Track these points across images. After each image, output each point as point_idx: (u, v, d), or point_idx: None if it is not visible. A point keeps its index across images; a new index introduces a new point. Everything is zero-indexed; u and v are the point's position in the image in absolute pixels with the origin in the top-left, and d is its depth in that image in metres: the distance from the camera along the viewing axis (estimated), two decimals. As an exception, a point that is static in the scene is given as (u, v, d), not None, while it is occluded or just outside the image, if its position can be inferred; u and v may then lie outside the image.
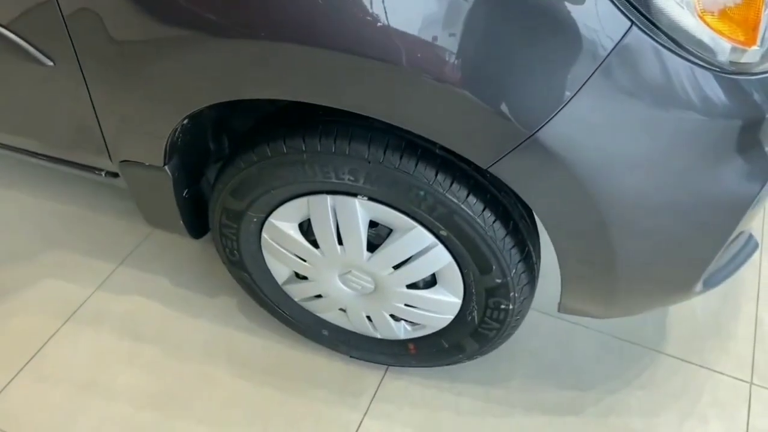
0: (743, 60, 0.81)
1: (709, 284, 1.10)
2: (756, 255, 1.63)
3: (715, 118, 0.84)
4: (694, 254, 1.01)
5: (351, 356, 1.41)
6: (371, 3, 0.80)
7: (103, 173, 1.30)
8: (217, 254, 1.60)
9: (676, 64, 0.79)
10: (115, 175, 1.28)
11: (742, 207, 0.93)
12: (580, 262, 1.02)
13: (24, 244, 1.63)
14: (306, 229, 1.18)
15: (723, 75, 0.81)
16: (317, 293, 1.28)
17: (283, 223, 1.17)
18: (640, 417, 1.32)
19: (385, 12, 0.80)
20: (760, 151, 0.89)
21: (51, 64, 1.05)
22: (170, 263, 1.61)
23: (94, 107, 1.10)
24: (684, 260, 1.02)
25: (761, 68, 0.83)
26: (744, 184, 0.91)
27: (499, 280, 1.09)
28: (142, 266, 1.60)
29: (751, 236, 1.18)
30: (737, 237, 1.13)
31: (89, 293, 1.53)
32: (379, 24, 0.80)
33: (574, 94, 0.80)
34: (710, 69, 0.80)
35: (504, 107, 0.82)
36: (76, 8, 0.95)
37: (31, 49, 1.05)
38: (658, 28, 0.77)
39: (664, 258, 1.01)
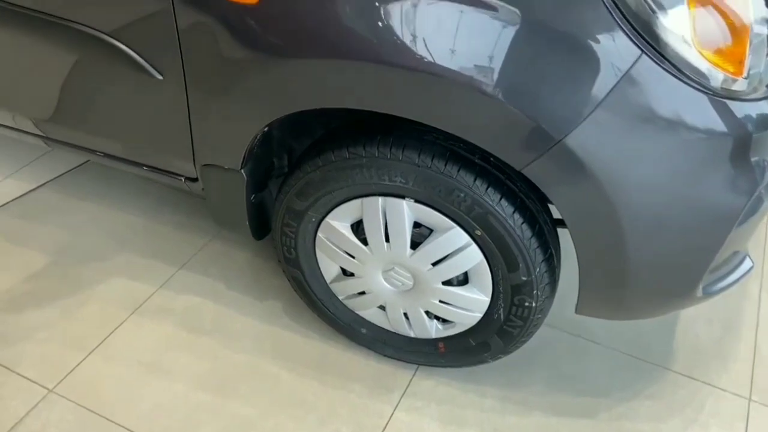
0: (733, 87, 1.00)
1: (708, 291, 1.25)
2: (755, 286, 1.78)
3: (708, 135, 1.02)
4: (693, 261, 1.17)
5: (385, 355, 1.56)
6: (422, 26, 1.01)
7: (182, 178, 1.50)
8: (264, 266, 1.79)
9: (677, 87, 0.98)
10: (194, 180, 1.49)
11: (731, 217, 1.10)
12: (597, 265, 1.18)
13: (97, 247, 1.83)
14: (357, 228, 1.36)
15: (716, 98, 1.00)
16: (361, 290, 1.45)
17: (338, 222, 1.35)
18: (648, 423, 1.44)
19: (438, 35, 1.01)
20: (748, 167, 1.06)
21: (160, 77, 1.27)
22: (223, 270, 1.79)
23: (190, 116, 1.31)
24: (684, 267, 1.18)
25: (749, 95, 1.02)
26: (733, 196, 1.08)
27: (524, 278, 1.26)
28: (200, 270, 1.78)
29: (746, 256, 1.34)
30: (734, 254, 1.29)
31: (153, 290, 1.71)
32: (432, 44, 1.01)
33: (596, 107, 0.99)
34: (706, 93, 0.99)
35: (536, 115, 1.01)
36: (191, 22, 1.17)
37: (145, 63, 1.27)
38: (664, 57, 0.97)
39: (668, 264, 1.17)
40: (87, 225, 1.90)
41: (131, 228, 1.90)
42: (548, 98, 1.00)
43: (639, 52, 0.96)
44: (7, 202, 1.94)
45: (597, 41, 0.96)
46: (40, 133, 1.59)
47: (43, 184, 2.01)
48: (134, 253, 1.82)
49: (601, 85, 0.97)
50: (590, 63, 0.97)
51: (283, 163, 1.52)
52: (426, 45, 1.02)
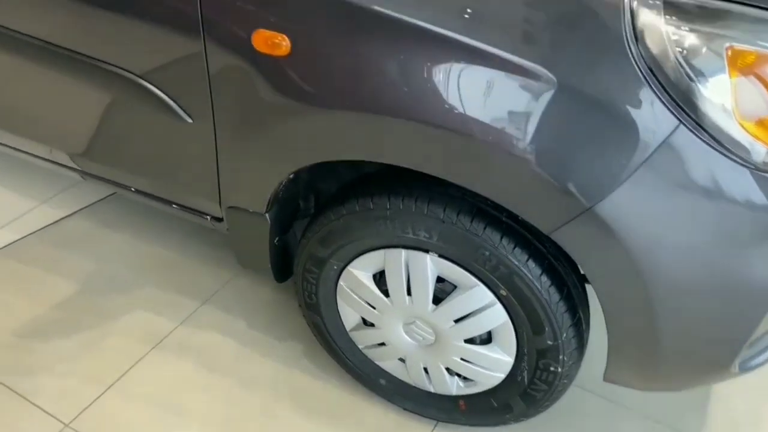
0: (777, 161, 0.95)
1: (745, 368, 1.18)
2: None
3: (749, 209, 0.97)
4: (730, 336, 1.10)
5: (404, 408, 1.51)
6: (455, 85, 0.99)
7: (208, 218, 1.50)
8: (287, 305, 1.77)
9: (716, 159, 0.93)
10: (219, 220, 1.48)
11: (771, 293, 1.04)
12: (626, 332, 1.13)
13: (123, 278, 1.84)
14: (379, 279, 1.33)
15: (758, 172, 0.95)
16: (381, 341, 1.42)
17: (360, 272, 1.33)
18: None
19: (469, 94, 0.99)
20: (791, 242, 1.01)
21: (190, 121, 1.28)
22: (246, 307, 1.77)
23: (217, 160, 1.31)
24: (720, 341, 1.11)
25: (792, 169, 0.97)
26: (774, 271, 1.02)
27: (550, 342, 1.21)
28: (222, 307, 1.77)
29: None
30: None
31: (174, 326, 1.70)
32: (461, 102, 0.99)
33: (629, 177, 0.95)
34: (746, 166, 0.94)
35: (567, 181, 0.97)
36: (222, 68, 1.16)
37: (175, 106, 1.28)
38: (702, 128, 0.93)
39: (701, 337, 1.11)
40: (115, 255, 1.91)
41: (158, 260, 1.91)
42: (580, 164, 0.96)
43: (677, 122, 0.91)
44: (41, 229, 1.97)
45: (632, 109, 0.92)
46: (75, 167, 1.61)
47: (76, 211, 2.04)
48: (159, 286, 1.82)
49: (636, 155, 0.93)
50: (625, 131, 0.93)
51: (309, 204, 1.51)
52: (457, 104, 0.99)
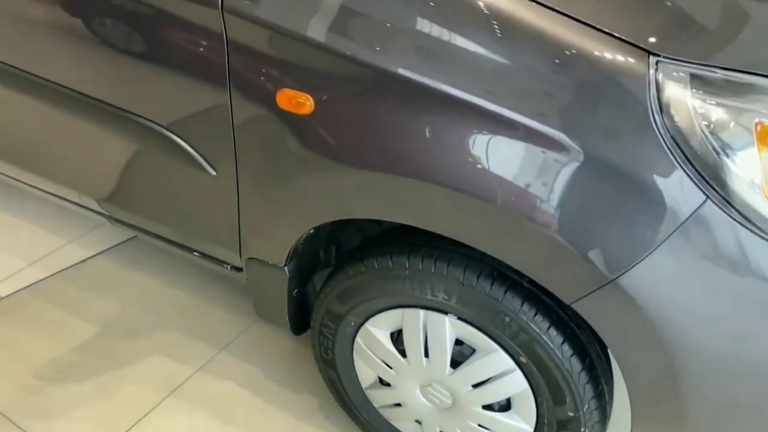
0: (808, 238, 0.91)
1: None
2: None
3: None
4: (761, 414, 1.05)
5: (419, 470, 1.47)
6: (476, 151, 0.98)
7: (228, 267, 1.50)
8: (306, 354, 1.75)
9: (744, 235, 0.90)
10: (239, 269, 1.48)
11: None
12: (650, 404, 1.09)
13: (144, 322, 1.84)
14: (396, 338, 1.31)
15: (788, 248, 0.91)
16: (397, 401, 1.38)
17: (377, 330, 1.30)
18: None
19: (490, 160, 0.97)
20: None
21: (214, 173, 1.29)
22: (264, 356, 1.76)
23: (239, 211, 1.31)
24: (751, 420, 1.06)
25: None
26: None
27: (571, 414, 1.16)
28: (240, 355, 1.76)
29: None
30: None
31: (191, 372, 1.69)
32: (482, 167, 0.98)
33: (653, 250, 0.92)
34: (776, 243, 0.91)
35: (590, 253, 0.95)
36: (247, 122, 1.17)
37: (200, 159, 1.29)
38: (730, 203, 0.89)
39: (730, 414, 1.06)
40: (137, 297, 1.92)
41: (179, 303, 1.91)
42: (603, 235, 0.94)
43: (704, 196, 0.89)
44: (66, 268, 1.99)
45: (658, 182, 0.90)
46: (102, 211, 1.63)
47: (102, 251, 2.06)
48: (179, 330, 1.82)
49: (661, 228, 0.90)
50: (650, 204, 0.90)
51: (330, 256, 1.50)
52: (478, 169, 0.98)
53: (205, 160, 1.29)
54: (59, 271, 1.98)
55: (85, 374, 1.67)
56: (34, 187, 1.75)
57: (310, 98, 1.08)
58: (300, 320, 1.47)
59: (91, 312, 1.85)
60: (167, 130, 1.29)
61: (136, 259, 2.05)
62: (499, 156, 0.97)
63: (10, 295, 1.88)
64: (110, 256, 2.06)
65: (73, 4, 1.27)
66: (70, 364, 1.70)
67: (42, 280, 1.94)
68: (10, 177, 1.77)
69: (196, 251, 1.55)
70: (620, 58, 0.90)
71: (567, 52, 0.92)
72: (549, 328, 1.11)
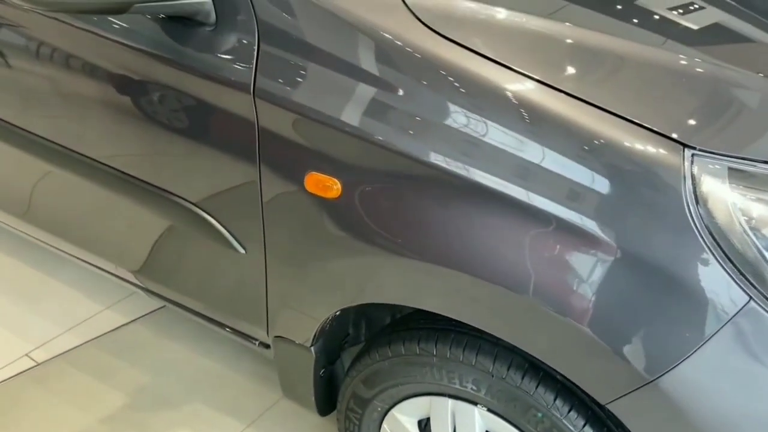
0: None
1: None
2: None
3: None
4: None
5: None
6: (508, 242, 0.95)
7: (256, 343, 1.49)
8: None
9: None
10: (267, 346, 1.46)
11: None
12: None
13: (171, 392, 1.83)
14: (424, 426, 1.25)
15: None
16: (425, 493, 1.32)
17: (404, 417, 1.25)
18: None
19: (523, 253, 0.95)
20: None
21: (243, 251, 1.29)
22: (291, 433, 1.72)
23: (267, 290, 1.30)
24: None
25: None
26: None
27: None
28: (267, 431, 1.72)
29: None
30: None
31: (217, 449, 1.66)
32: (514, 259, 0.95)
33: (694, 351, 0.86)
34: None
35: (626, 351, 0.90)
36: (275, 201, 1.17)
37: (229, 236, 1.29)
38: None
39: None
40: (167, 366, 1.91)
41: (208, 374, 1.90)
42: (640, 334, 0.89)
43: (746, 297, 0.83)
44: (101, 335, 2.01)
45: (696, 279, 0.85)
46: (136, 282, 1.65)
47: (136, 319, 2.08)
48: (207, 403, 1.80)
49: (702, 329, 0.85)
50: (689, 303, 0.86)
51: (359, 332, 1.47)
52: (509, 260, 0.95)
53: (235, 238, 1.29)
54: (94, 338, 1.99)
55: (112, 447, 1.66)
56: (74, 257, 1.78)
57: (338, 182, 1.08)
58: (327, 400, 1.43)
59: (122, 381, 1.85)
60: (198, 207, 1.31)
61: (167, 327, 2.05)
62: (532, 249, 0.94)
63: (45, 361, 1.90)
64: (144, 324, 2.07)
65: (112, 88, 1.31)
66: (98, 435, 1.69)
67: (77, 347, 1.95)
68: (52, 246, 1.81)
69: (226, 326, 1.54)
70: (653, 150, 0.87)
71: (598, 143, 0.90)
72: (584, 426, 1.04)
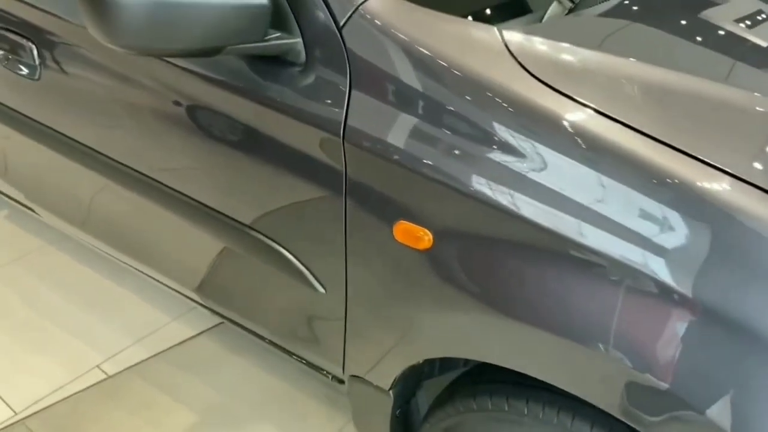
0: None
1: None
2: None
3: None
4: None
5: None
6: (600, 302, 0.90)
7: (330, 377, 1.45)
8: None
9: None
10: (341, 381, 1.43)
11: None
12: None
13: (237, 411, 1.82)
14: (507, 483, 1.20)
15: None
16: None
17: (487, 470, 1.20)
18: None
19: (616, 315, 0.89)
20: None
21: (323, 291, 1.25)
22: (359, 461, 1.69)
23: (345, 331, 1.26)
24: None
25: None
26: None
27: None
28: (334, 458, 1.70)
29: None
30: None
31: (284, 474, 1.65)
32: (608, 322, 0.89)
33: None
34: None
35: (712, 412, 0.83)
36: (360, 246, 1.13)
37: (310, 276, 1.26)
38: None
39: None
40: (233, 382, 1.91)
41: (275, 393, 1.88)
42: (727, 395, 0.83)
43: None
44: (167, 349, 2.02)
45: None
46: (211, 307, 1.65)
47: (203, 332, 2.08)
48: (272, 423, 1.78)
49: None
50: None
51: (434, 366, 1.42)
52: (602, 323, 0.90)
53: (315, 277, 1.25)
54: (162, 351, 2.00)
55: (180, 468, 1.66)
56: (149, 276, 1.78)
57: (429, 233, 1.03)
58: (401, 439, 1.39)
59: (189, 397, 1.86)
60: (277, 243, 1.27)
61: (234, 341, 2.05)
62: (623, 311, 0.89)
63: (115, 374, 1.92)
64: (210, 337, 2.07)
65: (194, 122, 1.28)
66: (167, 455, 1.70)
67: (144, 360, 1.97)
68: (132, 267, 1.82)
69: (294, 354, 1.51)
70: (737, 196, 0.82)
71: (687, 193, 0.85)
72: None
